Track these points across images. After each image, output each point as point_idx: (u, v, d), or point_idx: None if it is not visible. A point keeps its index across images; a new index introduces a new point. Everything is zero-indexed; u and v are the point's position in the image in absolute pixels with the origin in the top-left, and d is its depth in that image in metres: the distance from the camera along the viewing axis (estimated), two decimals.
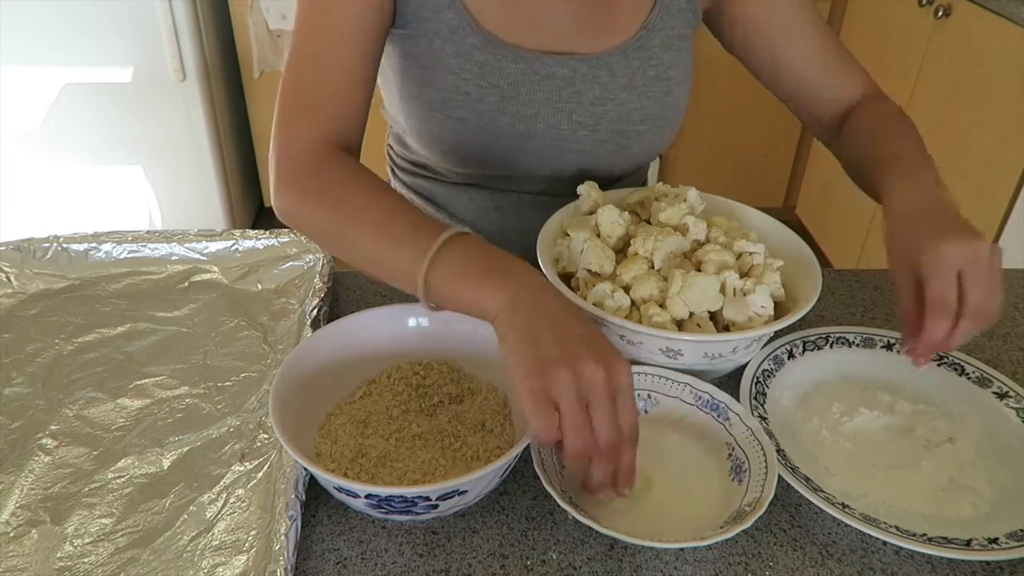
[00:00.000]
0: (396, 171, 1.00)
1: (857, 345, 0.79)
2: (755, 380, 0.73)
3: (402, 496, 0.55)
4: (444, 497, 0.56)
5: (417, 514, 0.58)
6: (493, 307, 0.58)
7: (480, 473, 0.55)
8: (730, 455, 0.66)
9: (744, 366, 0.74)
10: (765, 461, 0.63)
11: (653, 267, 0.75)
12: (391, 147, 1.01)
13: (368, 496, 0.55)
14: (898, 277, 0.69)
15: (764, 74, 0.92)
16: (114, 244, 0.87)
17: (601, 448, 0.54)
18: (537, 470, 0.60)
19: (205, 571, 0.56)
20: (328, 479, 0.56)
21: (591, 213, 0.82)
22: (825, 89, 0.90)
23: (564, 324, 0.56)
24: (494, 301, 0.58)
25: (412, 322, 0.71)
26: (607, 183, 0.87)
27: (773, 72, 0.90)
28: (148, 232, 0.88)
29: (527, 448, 0.61)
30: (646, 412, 0.70)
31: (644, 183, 1.02)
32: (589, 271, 0.76)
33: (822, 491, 0.63)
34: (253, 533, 0.59)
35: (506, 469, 0.60)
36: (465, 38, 0.80)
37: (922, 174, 0.76)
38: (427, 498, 0.56)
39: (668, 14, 0.87)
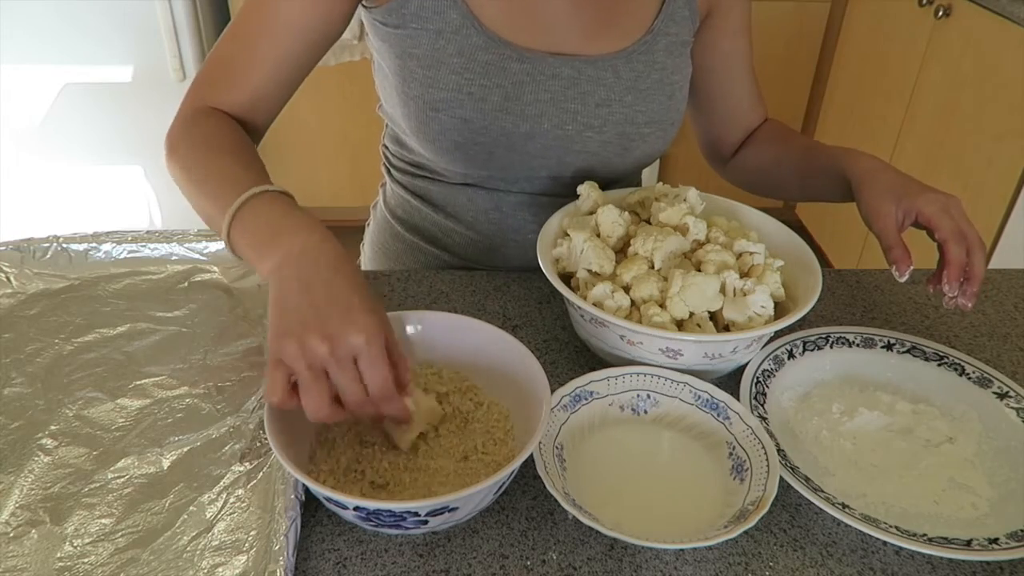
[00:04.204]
0: (392, 171, 1.00)
1: (857, 345, 0.79)
2: (755, 380, 0.73)
3: (390, 511, 0.54)
4: (434, 513, 0.55)
5: (407, 528, 0.57)
6: (265, 269, 0.62)
7: (471, 491, 0.54)
8: (731, 454, 0.66)
9: (744, 366, 0.74)
10: (766, 459, 0.63)
11: (653, 267, 0.75)
12: (386, 147, 1.00)
13: (356, 508, 0.55)
14: (882, 209, 0.76)
15: (702, 96, 0.99)
16: (114, 244, 0.87)
17: (348, 406, 0.57)
18: (539, 471, 0.60)
19: (205, 571, 0.56)
20: (318, 491, 0.55)
21: (591, 213, 0.82)
22: (746, 116, 1.00)
23: (314, 292, 0.58)
24: (267, 263, 0.61)
25: (410, 330, 0.70)
26: (607, 184, 0.87)
27: (712, 94, 0.98)
28: (148, 232, 0.88)
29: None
30: (646, 412, 0.70)
31: (639, 183, 1.02)
32: (589, 271, 0.76)
33: (822, 491, 0.63)
34: (253, 533, 0.59)
35: (500, 487, 0.59)
36: (468, 37, 0.80)
37: (871, 155, 0.85)
38: (416, 513, 0.55)
39: (672, 20, 0.87)
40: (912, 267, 0.74)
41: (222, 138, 0.75)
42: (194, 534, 0.59)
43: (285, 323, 0.57)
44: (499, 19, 0.81)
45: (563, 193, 0.88)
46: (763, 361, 0.75)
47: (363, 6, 0.85)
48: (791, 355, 0.77)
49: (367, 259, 1.07)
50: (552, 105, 0.83)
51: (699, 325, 0.71)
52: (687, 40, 0.90)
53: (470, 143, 0.84)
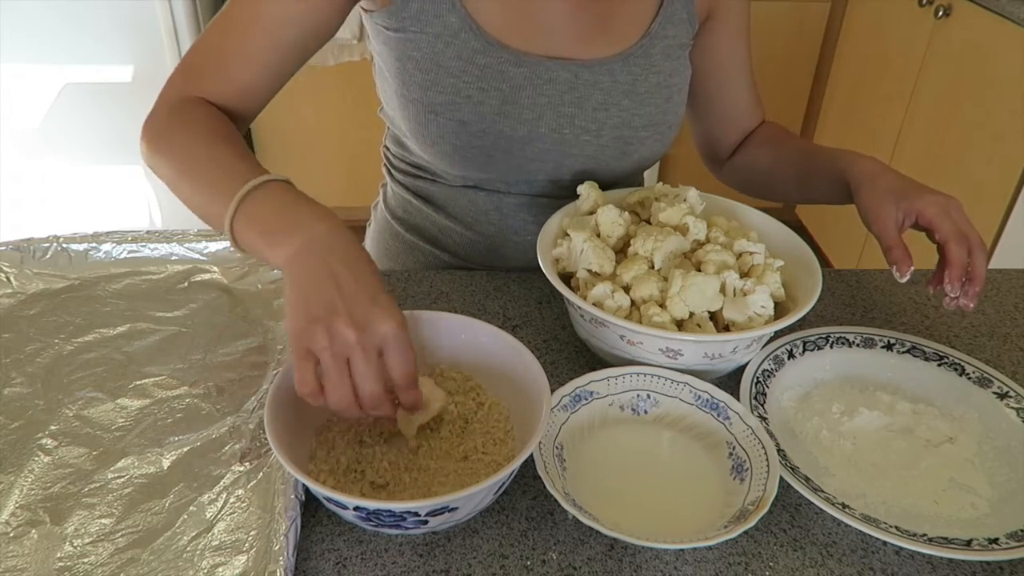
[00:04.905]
0: (393, 172, 1.00)
1: (857, 345, 0.79)
2: (755, 380, 0.73)
3: (390, 511, 0.54)
4: (434, 513, 0.55)
5: (407, 528, 0.57)
6: (279, 260, 0.61)
7: (471, 491, 0.54)
8: (731, 454, 0.66)
9: (744, 366, 0.74)
10: (766, 459, 0.63)
11: (653, 267, 0.75)
12: (388, 148, 1.00)
13: (356, 508, 0.55)
14: (882, 211, 0.76)
15: (700, 98, 0.98)
16: (114, 244, 0.87)
17: (364, 400, 0.56)
18: (539, 471, 0.60)
19: (205, 571, 0.56)
20: (318, 491, 0.55)
21: (591, 213, 0.82)
22: (743, 118, 1.00)
23: (337, 281, 0.57)
24: (280, 254, 0.60)
25: (410, 330, 0.70)
26: (607, 186, 0.87)
27: (710, 96, 0.98)
28: (148, 232, 0.88)
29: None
30: (646, 412, 0.70)
31: (641, 183, 1.02)
32: (589, 271, 0.76)
33: (822, 491, 0.63)
34: (253, 533, 0.59)
35: (500, 487, 0.59)
36: (467, 41, 0.80)
37: (870, 156, 0.84)
38: (416, 513, 0.55)
39: (670, 23, 0.87)
40: (913, 267, 0.74)
41: (215, 127, 0.73)
42: (194, 534, 0.59)
43: (311, 310, 0.56)
44: (497, 23, 0.81)
45: (563, 195, 0.88)
46: (763, 361, 0.75)
47: (363, 9, 0.85)
48: (791, 355, 0.77)
49: None
50: (549, 109, 0.84)
51: (699, 325, 0.71)
52: (685, 43, 0.90)
53: (468, 146, 0.84)
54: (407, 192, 0.98)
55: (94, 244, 0.87)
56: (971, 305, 0.74)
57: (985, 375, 0.75)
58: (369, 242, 1.07)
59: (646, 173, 1.01)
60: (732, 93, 0.98)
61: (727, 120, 1.00)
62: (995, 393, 0.74)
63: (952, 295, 0.74)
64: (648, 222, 0.82)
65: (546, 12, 0.83)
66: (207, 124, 0.73)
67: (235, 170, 0.67)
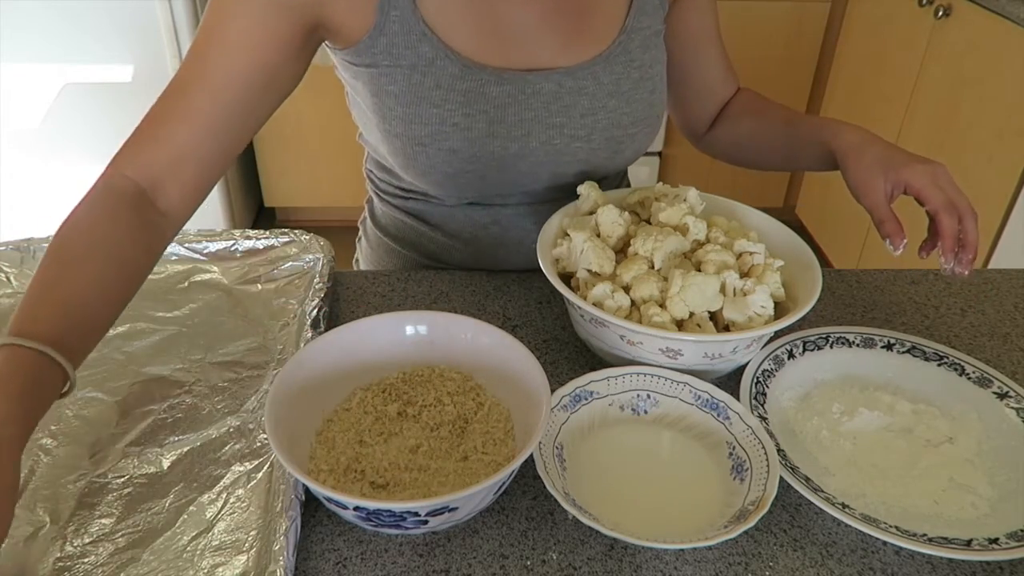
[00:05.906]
0: (381, 195, 0.97)
1: (857, 345, 0.79)
2: (755, 380, 0.73)
3: (390, 511, 0.55)
4: (434, 513, 0.55)
5: (407, 528, 0.57)
6: None
7: (471, 491, 0.54)
8: (731, 454, 0.66)
9: (744, 366, 0.74)
10: (766, 459, 0.63)
11: (653, 267, 0.75)
12: (371, 171, 0.98)
13: (356, 508, 0.55)
14: (871, 184, 0.77)
15: (675, 76, 0.97)
16: None
17: None
18: (539, 471, 0.60)
19: (205, 571, 0.56)
20: (318, 491, 0.55)
21: (591, 213, 0.82)
22: (718, 89, 0.99)
23: None
24: None
25: (410, 330, 0.70)
26: (598, 182, 0.86)
27: (685, 73, 0.97)
28: None
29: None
30: (646, 412, 0.70)
31: (628, 180, 1.02)
32: (589, 271, 0.76)
33: (822, 491, 0.63)
34: (253, 533, 0.59)
35: (500, 487, 0.59)
36: (444, 68, 0.78)
37: (853, 125, 0.84)
38: (416, 513, 0.55)
39: (644, 13, 0.86)
40: (906, 240, 0.74)
41: (75, 251, 0.66)
42: (194, 534, 0.59)
43: None
44: (471, 45, 0.79)
45: (560, 198, 0.87)
46: (763, 361, 0.75)
47: (328, 47, 0.82)
48: (791, 355, 0.77)
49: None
50: (537, 123, 0.82)
51: (699, 325, 0.71)
52: (659, 29, 0.88)
53: (460, 172, 0.83)
54: (399, 212, 0.96)
55: None
56: (965, 272, 0.74)
57: (985, 375, 0.75)
58: (364, 260, 1.05)
59: (645, 173, 1.01)
60: (705, 67, 0.97)
61: (703, 93, 0.99)
62: (995, 393, 0.74)
63: (946, 265, 0.75)
64: (648, 222, 0.82)
65: (518, 24, 0.81)
66: (75, 241, 0.67)
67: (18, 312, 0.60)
